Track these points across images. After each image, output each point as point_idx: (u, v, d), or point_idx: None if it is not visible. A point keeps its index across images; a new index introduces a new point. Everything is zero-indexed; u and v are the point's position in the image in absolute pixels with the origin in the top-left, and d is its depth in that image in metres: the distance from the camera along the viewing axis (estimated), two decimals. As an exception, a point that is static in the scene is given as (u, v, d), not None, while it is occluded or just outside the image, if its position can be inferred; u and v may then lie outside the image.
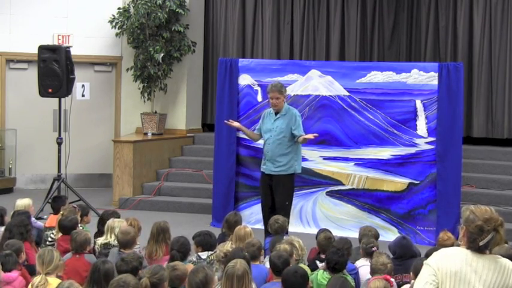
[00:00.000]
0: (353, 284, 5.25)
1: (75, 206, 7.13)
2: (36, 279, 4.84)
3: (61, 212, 6.74)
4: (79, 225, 6.54)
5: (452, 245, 5.80)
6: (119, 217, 6.44)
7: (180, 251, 5.46)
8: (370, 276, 5.24)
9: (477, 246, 3.32)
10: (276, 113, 7.64)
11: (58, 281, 4.75)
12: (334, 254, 5.28)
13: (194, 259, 5.64)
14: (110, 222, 6.12)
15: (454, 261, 3.32)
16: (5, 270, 5.11)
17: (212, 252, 5.72)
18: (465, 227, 3.36)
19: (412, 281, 4.97)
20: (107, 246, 5.99)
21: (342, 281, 4.93)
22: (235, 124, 8.08)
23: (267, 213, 7.56)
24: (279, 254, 5.02)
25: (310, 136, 7.49)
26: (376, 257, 5.22)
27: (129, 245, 5.65)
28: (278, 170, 7.57)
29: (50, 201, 8.92)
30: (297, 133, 7.53)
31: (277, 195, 7.62)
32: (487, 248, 3.33)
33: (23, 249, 5.52)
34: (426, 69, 8.64)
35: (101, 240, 6.07)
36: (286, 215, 7.37)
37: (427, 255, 5.27)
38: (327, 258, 5.34)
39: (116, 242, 5.91)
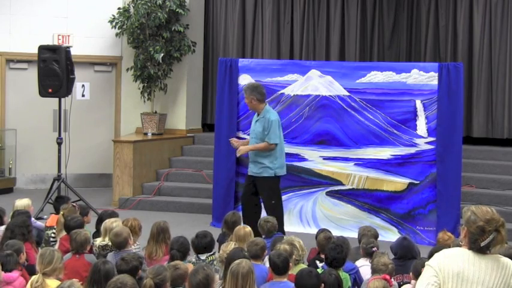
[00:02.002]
0: (349, 284, 5.24)
1: (75, 204, 7.13)
2: (34, 278, 4.83)
3: (61, 212, 6.74)
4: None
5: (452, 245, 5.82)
6: (117, 217, 6.42)
7: (180, 250, 5.47)
8: (369, 276, 5.25)
9: (478, 247, 3.32)
10: (258, 115, 7.80)
11: (58, 282, 4.74)
12: (333, 250, 5.31)
13: (193, 260, 5.65)
14: (108, 223, 6.09)
15: (456, 261, 3.32)
16: (6, 270, 5.10)
17: (211, 253, 5.73)
18: (466, 227, 3.36)
19: (413, 281, 4.97)
20: (105, 248, 5.97)
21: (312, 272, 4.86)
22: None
23: (244, 212, 7.73)
24: (278, 253, 5.03)
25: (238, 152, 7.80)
26: (378, 257, 5.23)
27: (123, 246, 5.65)
28: (259, 172, 7.77)
29: (50, 201, 8.94)
30: (267, 139, 7.66)
31: (262, 196, 7.79)
32: (489, 248, 3.33)
33: (23, 249, 5.52)
34: (426, 69, 8.64)
35: (98, 242, 6.06)
36: (275, 214, 7.39)
37: (430, 256, 5.28)
38: (325, 254, 5.37)
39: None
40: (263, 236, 6.36)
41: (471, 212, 3.38)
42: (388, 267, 5.09)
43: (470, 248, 3.35)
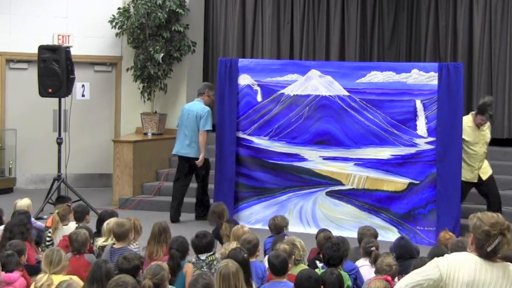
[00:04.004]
0: (349, 282, 5.24)
1: (69, 204, 7.12)
2: (42, 279, 4.83)
3: (56, 211, 6.74)
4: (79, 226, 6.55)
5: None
6: (117, 217, 6.42)
7: (179, 250, 5.47)
8: (370, 276, 5.25)
9: (485, 252, 3.30)
10: None
11: (62, 277, 4.75)
12: (329, 249, 5.33)
13: (193, 260, 5.66)
14: (110, 223, 6.09)
15: (467, 269, 3.30)
16: (7, 270, 5.10)
17: (211, 253, 5.72)
18: (472, 234, 3.36)
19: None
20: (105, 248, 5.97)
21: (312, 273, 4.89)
22: None
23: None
24: (277, 254, 5.04)
25: None
26: (383, 257, 5.23)
27: (123, 237, 5.70)
28: None
29: (50, 201, 8.95)
30: None
31: None
32: (496, 253, 3.30)
33: (25, 250, 5.51)
34: (426, 69, 8.64)
35: (99, 242, 6.05)
36: None
37: (430, 256, 5.26)
38: (322, 253, 5.42)
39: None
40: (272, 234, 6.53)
41: (477, 218, 3.37)
42: (392, 268, 5.08)
43: (478, 255, 3.33)
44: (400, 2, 11.61)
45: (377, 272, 5.16)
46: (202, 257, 5.68)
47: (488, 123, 8.73)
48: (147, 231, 6.14)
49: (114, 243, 5.80)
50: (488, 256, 3.31)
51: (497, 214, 3.38)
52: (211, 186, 9.60)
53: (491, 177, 8.80)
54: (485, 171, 8.75)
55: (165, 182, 10.63)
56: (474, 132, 8.52)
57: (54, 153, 9.86)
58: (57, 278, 4.77)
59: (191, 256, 5.72)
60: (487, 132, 8.71)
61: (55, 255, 4.95)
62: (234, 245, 5.48)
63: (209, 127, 9.23)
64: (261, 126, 9.17)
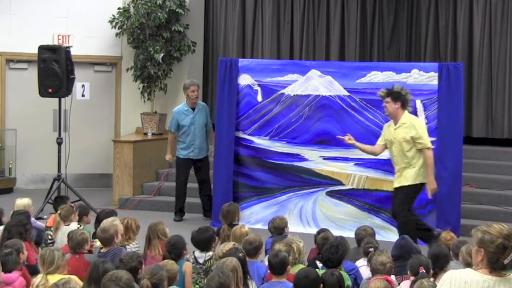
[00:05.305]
0: (349, 282, 5.24)
1: (73, 205, 7.12)
2: (37, 279, 4.84)
3: (58, 212, 6.73)
4: (80, 226, 6.54)
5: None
6: (115, 216, 6.39)
7: (170, 251, 5.44)
8: (368, 276, 5.24)
9: (502, 265, 3.17)
10: (193, 109, 9.38)
11: (59, 277, 4.75)
12: (327, 251, 5.34)
13: (191, 260, 5.64)
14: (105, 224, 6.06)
15: None
16: (6, 270, 5.10)
17: (210, 257, 5.69)
18: (483, 249, 3.20)
19: (412, 277, 4.94)
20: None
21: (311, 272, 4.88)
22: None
23: (184, 191, 9.54)
24: (275, 254, 5.04)
25: None
26: (377, 255, 5.22)
27: (109, 243, 5.65)
28: (204, 153, 9.48)
29: (50, 201, 8.93)
30: (209, 124, 9.59)
31: (204, 173, 9.55)
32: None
33: (22, 249, 5.50)
34: (426, 69, 8.64)
35: (98, 243, 6.03)
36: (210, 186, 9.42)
37: (431, 257, 5.25)
38: (321, 255, 5.45)
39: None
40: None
41: (483, 232, 3.21)
42: (385, 267, 5.07)
43: (491, 271, 3.20)
44: (400, 2, 11.62)
45: (372, 271, 5.16)
46: (201, 260, 5.65)
47: (408, 122, 7.64)
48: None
49: (101, 247, 5.77)
50: (504, 268, 3.18)
51: (502, 225, 3.24)
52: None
53: (400, 189, 7.70)
54: (400, 178, 7.72)
55: (165, 182, 10.64)
56: (389, 130, 7.78)
57: (54, 153, 9.86)
58: (53, 278, 4.77)
59: (190, 255, 5.69)
60: (400, 132, 7.65)
61: (47, 255, 4.95)
62: (231, 245, 5.45)
63: (168, 126, 9.82)
64: (261, 126, 9.18)
